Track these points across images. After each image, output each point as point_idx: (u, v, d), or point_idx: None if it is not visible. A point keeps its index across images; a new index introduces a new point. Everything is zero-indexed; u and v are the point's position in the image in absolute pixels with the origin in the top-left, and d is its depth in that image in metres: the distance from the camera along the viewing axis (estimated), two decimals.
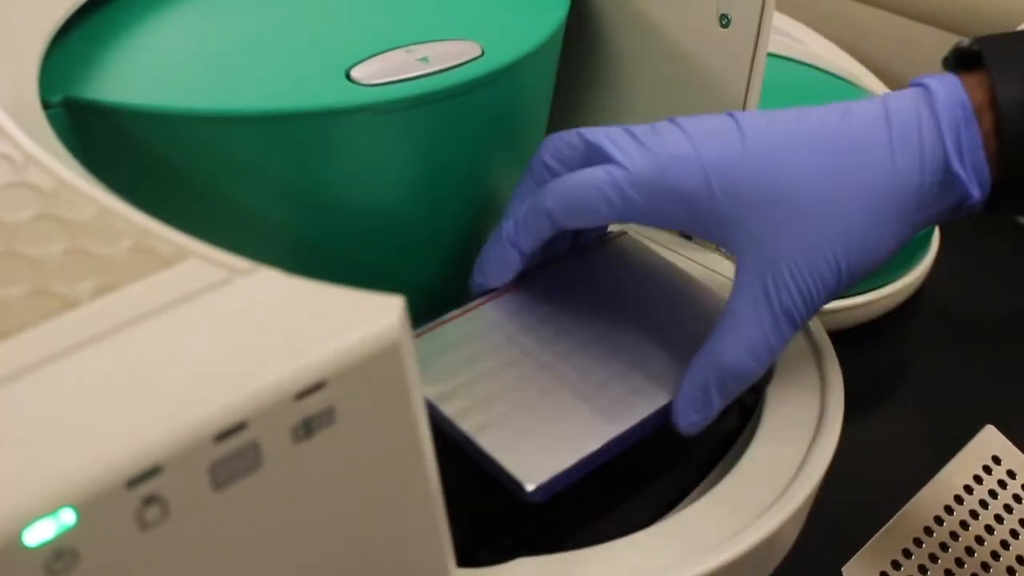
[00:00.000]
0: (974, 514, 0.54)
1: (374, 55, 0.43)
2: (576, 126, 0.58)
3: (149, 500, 0.23)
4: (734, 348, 0.42)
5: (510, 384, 0.43)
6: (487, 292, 0.48)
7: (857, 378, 0.51)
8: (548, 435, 0.41)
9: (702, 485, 0.46)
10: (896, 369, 0.68)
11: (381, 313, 0.26)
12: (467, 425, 0.41)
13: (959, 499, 0.54)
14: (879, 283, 0.66)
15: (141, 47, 0.43)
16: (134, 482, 0.23)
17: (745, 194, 0.41)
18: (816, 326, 0.50)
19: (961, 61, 0.43)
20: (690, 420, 0.43)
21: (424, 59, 0.43)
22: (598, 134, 0.44)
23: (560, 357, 0.45)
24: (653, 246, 0.55)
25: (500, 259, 0.46)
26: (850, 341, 0.58)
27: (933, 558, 0.51)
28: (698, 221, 0.43)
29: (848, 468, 0.47)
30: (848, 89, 0.76)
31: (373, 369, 0.26)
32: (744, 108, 0.51)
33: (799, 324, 0.42)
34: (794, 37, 0.82)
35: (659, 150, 0.42)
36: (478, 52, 0.45)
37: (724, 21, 0.50)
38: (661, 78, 0.54)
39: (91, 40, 0.43)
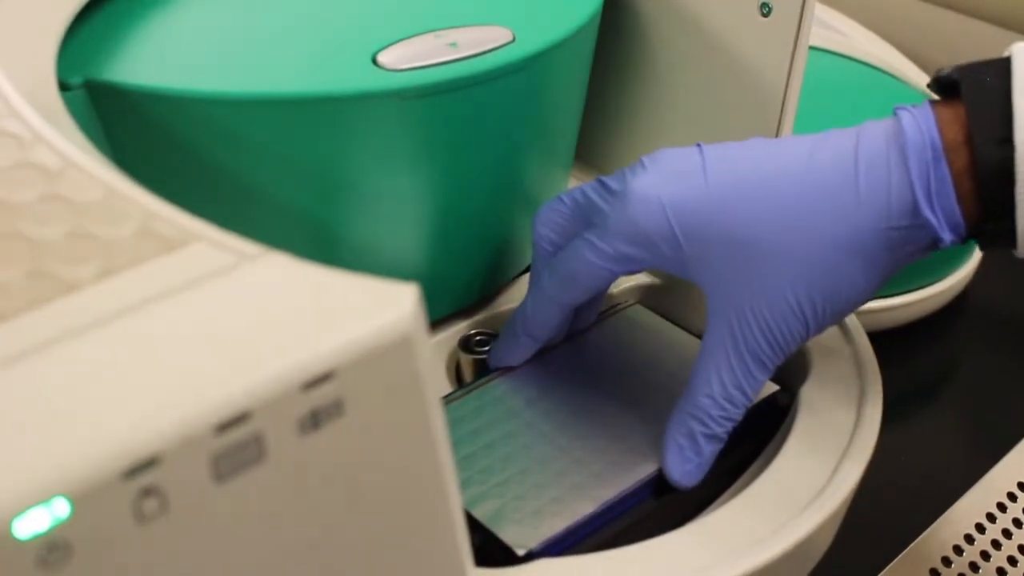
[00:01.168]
0: (1018, 522, 0.52)
1: (402, 40, 0.42)
2: (613, 118, 0.58)
3: (147, 492, 0.23)
4: (707, 391, 0.42)
5: (509, 455, 0.43)
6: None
7: (899, 380, 0.49)
8: (541, 501, 0.41)
9: (734, 487, 0.44)
10: (939, 371, 0.66)
11: (394, 302, 0.25)
12: (463, 498, 0.41)
13: (1002, 507, 0.53)
14: (923, 283, 0.64)
15: (164, 29, 0.42)
16: (131, 473, 0.22)
17: (706, 237, 0.41)
18: (855, 325, 0.49)
19: (943, 89, 0.42)
20: (683, 469, 0.43)
21: (453, 44, 0.42)
22: (575, 192, 0.45)
23: (560, 427, 0.45)
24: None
25: (516, 347, 0.47)
26: (893, 342, 0.57)
27: (974, 567, 0.50)
28: (669, 264, 0.43)
29: (888, 472, 0.45)
30: (892, 83, 0.75)
31: (384, 360, 0.25)
32: (784, 100, 0.50)
33: (769, 367, 0.42)
34: (837, 30, 0.80)
35: (626, 199, 0.42)
36: (509, 38, 0.43)
37: (765, 10, 0.48)
38: (700, 69, 0.52)
39: (114, 22, 0.42)
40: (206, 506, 0.24)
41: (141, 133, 0.40)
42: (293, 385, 0.24)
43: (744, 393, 0.42)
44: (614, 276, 0.44)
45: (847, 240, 0.40)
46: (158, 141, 0.40)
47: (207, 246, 0.26)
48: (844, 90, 0.72)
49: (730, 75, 0.51)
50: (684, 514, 0.43)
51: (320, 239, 0.43)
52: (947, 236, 0.39)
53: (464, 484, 0.41)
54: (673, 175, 0.42)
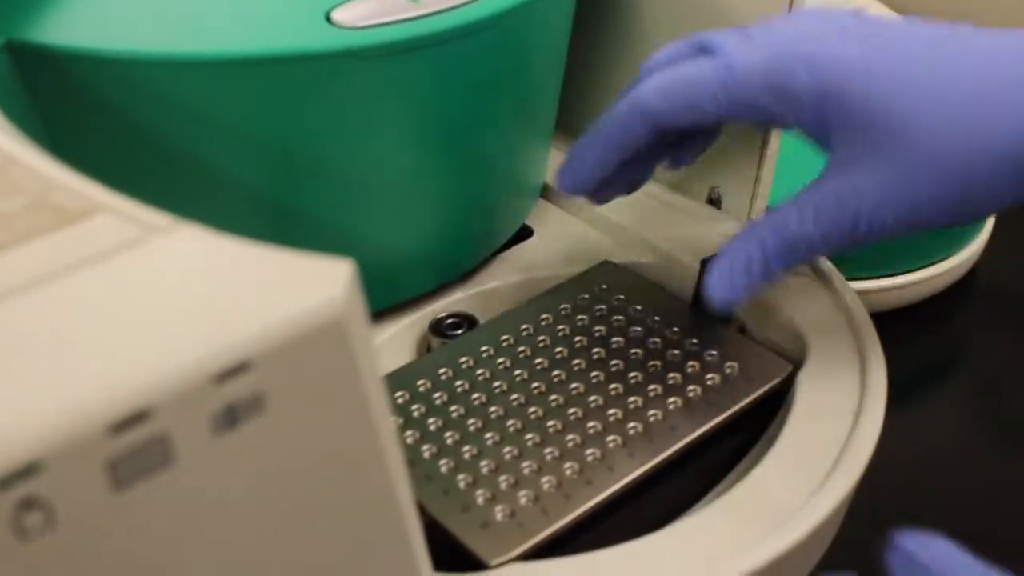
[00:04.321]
0: None
1: None
2: (597, 86, 0.55)
3: (27, 504, 0.19)
4: (788, 227, 0.39)
5: (473, 445, 0.40)
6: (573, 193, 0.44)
7: (904, 362, 0.47)
8: (514, 504, 0.38)
9: (723, 483, 0.41)
10: (946, 353, 0.64)
11: (324, 281, 0.22)
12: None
13: None
14: (929, 261, 0.61)
15: None
16: (7, 481, 0.19)
17: (852, 104, 0.38)
18: (856, 304, 0.46)
19: None
20: (723, 287, 0.40)
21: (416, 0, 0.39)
22: (709, 33, 0.41)
23: (527, 410, 0.41)
24: (679, 216, 0.50)
25: (589, 160, 0.43)
26: (897, 323, 0.55)
27: None
28: (798, 117, 0.39)
29: (891, 458, 0.42)
30: None
31: (312, 348, 0.22)
32: None
33: (820, 253, 0.40)
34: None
35: (770, 42, 0.39)
36: None
37: None
38: (688, 33, 0.49)
39: None
40: (101, 518, 0.20)
41: (73, 100, 0.36)
42: (203, 377, 0.21)
43: (808, 251, 0.39)
44: (724, 119, 0.41)
45: (1002, 156, 0.36)
46: (92, 109, 0.37)
47: (110, 218, 0.23)
48: None
49: None
50: (666, 513, 0.40)
51: (275, 215, 0.40)
52: None
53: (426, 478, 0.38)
54: (826, 33, 0.39)
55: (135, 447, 0.20)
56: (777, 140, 0.48)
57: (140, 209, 0.23)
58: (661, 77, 0.41)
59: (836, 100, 0.38)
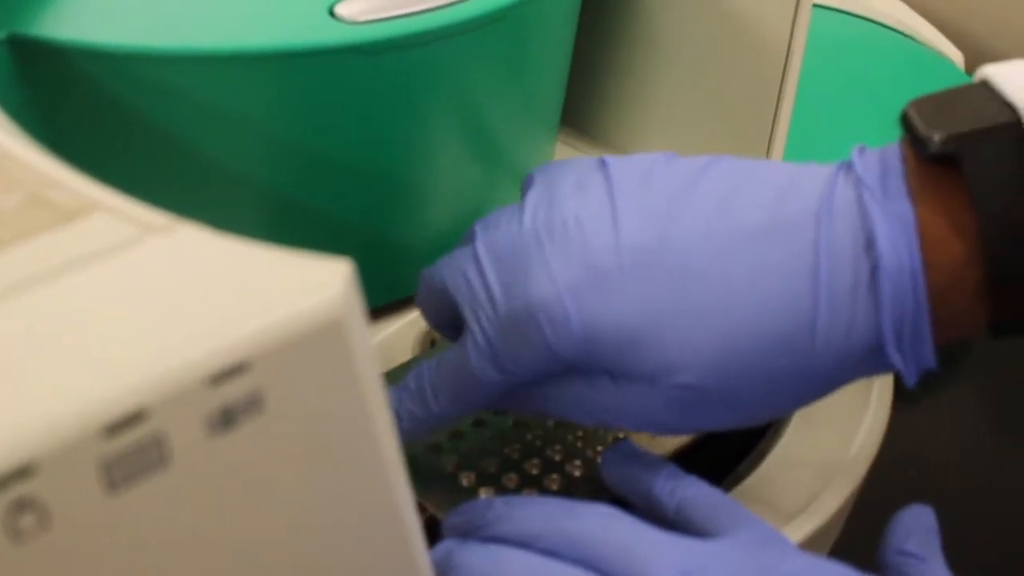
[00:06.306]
0: None
1: None
2: (603, 78, 0.54)
3: (22, 505, 0.19)
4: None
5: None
6: None
7: None
8: None
9: (724, 484, 0.41)
10: (949, 346, 0.63)
11: (322, 281, 0.22)
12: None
13: None
14: None
15: None
16: (0, 483, 0.19)
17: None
18: None
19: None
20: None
21: None
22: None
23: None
24: None
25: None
26: None
27: None
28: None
29: (895, 453, 0.42)
30: (906, 44, 0.71)
31: (309, 348, 0.22)
32: (788, 57, 0.46)
33: None
34: None
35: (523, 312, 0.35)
36: None
37: None
38: (695, 30, 0.49)
39: None
40: (96, 520, 0.20)
41: (75, 96, 0.36)
42: (198, 378, 0.20)
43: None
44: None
45: (786, 389, 0.33)
46: (93, 104, 0.36)
47: (107, 217, 0.23)
48: (856, 54, 0.69)
49: (728, 38, 0.48)
50: None
51: (278, 210, 0.40)
52: (912, 377, 0.33)
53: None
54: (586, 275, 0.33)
55: (130, 448, 0.20)
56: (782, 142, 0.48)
57: (138, 208, 0.23)
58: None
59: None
